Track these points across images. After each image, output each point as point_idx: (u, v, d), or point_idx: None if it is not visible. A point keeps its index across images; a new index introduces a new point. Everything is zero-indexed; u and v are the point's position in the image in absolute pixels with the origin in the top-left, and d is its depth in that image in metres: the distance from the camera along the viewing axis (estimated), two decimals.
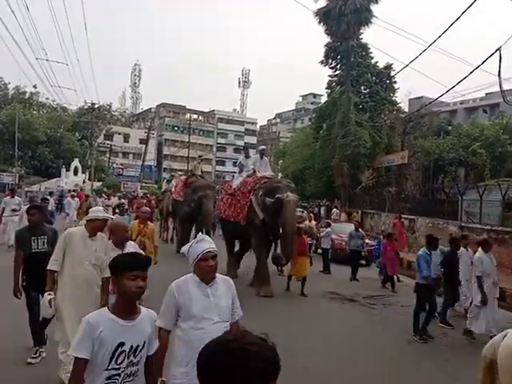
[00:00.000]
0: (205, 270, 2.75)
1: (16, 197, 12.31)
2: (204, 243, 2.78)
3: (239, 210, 10.08)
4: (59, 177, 39.94)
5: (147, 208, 7.88)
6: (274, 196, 9.12)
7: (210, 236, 11.75)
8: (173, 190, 15.78)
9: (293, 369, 5.23)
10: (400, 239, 15.97)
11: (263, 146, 12.30)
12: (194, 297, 2.74)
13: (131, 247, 4.75)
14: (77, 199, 19.34)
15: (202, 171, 15.42)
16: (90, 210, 4.67)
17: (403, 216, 21.00)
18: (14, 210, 11.66)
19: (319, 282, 10.27)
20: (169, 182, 18.31)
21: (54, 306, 4.23)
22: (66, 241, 4.32)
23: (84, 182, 39.10)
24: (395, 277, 11.43)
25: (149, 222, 7.38)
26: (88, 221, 4.45)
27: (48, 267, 4.31)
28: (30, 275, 4.90)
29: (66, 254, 4.29)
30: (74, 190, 27.98)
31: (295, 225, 9.52)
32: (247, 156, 11.77)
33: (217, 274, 2.86)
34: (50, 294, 4.24)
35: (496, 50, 11.80)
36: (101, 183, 42.04)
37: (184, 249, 2.85)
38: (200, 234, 2.91)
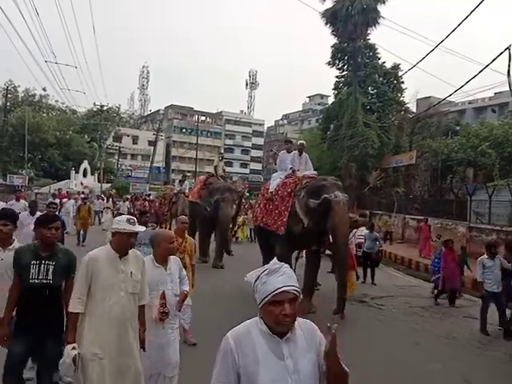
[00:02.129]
0: (276, 320, 1.82)
1: (22, 201, 11.20)
2: (279, 276, 1.86)
3: (276, 217, 8.64)
4: (69, 179, 40.32)
5: (184, 216, 6.48)
6: (319, 197, 7.62)
7: (227, 245, 11.17)
8: (188, 191, 14.58)
9: None
10: (425, 245, 15.65)
11: (302, 141, 10.30)
12: (261, 358, 1.82)
13: (174, 263, 3.96)
14: (72, 201, 17.95)
15: (224, 170, 14.03)
16: (115, 220, 3.47)
17: (412, 217, 20.98)
18: None
19: (327, 283, 10.19)
20: (181, 182, 17.33)
21: (78, 364, 3.13)
22: (90, 269, 3.23)
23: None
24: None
25: (187, 235, 6.05)
26: (113, 234, 3.39)
27: (70, 309, 3.23)
28: (20, 318, 3.51)
29: (91, 287, 3.23)
30: (82, 192, 28.17)
31: (348, 232, 7.92)
32: (289, 151, 9.88)
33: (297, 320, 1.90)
34: (74, 349, 3.12)
35: (505, 49, 11.75)
36: (110, 185, 42.37)
37: (249, 278, 1.96)
38: (275, 260, 1.97)
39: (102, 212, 21.10)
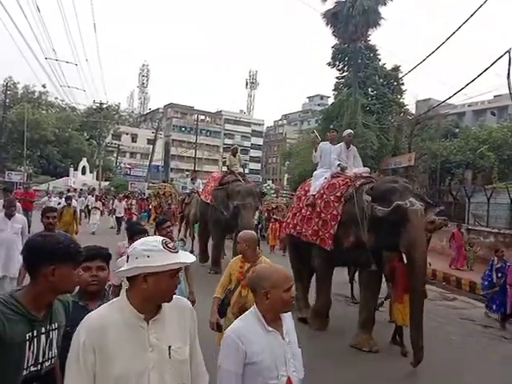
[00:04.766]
0: None
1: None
2: None
3: (318, 227, 6.90)
4: (67, 176, 40.32)
5: (249, 231, 4.46)
6: (389, 203, 5.77)
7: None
8: (201, 189, 13.21)
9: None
10: (459, 254, 14.46)
11: (350, 130, 8.23)
12: None
13: (290, 323, 2.30)
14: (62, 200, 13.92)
15: (243, 166, 11.92)
16: (136, 249, 1.73)
17: None
18: None
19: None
20: (193, 180, 15.30)
21: None
22: (90, 351, 1.62)
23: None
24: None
25: (263, 258, 4.07)
26: (133, 278, 1.70)
27: None
28: None
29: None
30: (80, 189, 28.09)
31: (425, 250, 5.92)
32: (333, 141, 7.98)
33: None
34: None
35: (505, 52, 11.76)
36: (108, 183, 42.39)
37: None
38: None
39: (89, 212, 19.28)
